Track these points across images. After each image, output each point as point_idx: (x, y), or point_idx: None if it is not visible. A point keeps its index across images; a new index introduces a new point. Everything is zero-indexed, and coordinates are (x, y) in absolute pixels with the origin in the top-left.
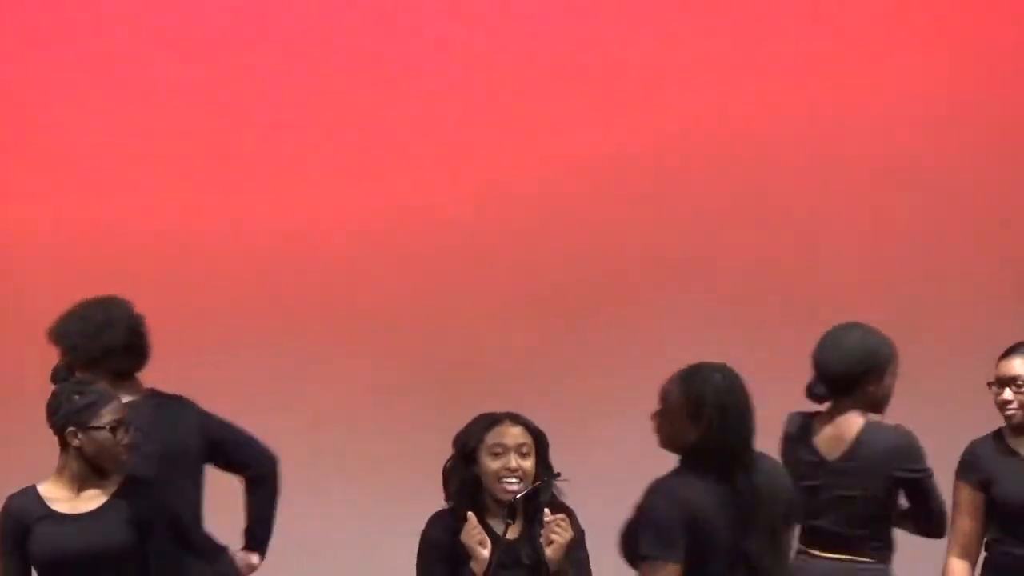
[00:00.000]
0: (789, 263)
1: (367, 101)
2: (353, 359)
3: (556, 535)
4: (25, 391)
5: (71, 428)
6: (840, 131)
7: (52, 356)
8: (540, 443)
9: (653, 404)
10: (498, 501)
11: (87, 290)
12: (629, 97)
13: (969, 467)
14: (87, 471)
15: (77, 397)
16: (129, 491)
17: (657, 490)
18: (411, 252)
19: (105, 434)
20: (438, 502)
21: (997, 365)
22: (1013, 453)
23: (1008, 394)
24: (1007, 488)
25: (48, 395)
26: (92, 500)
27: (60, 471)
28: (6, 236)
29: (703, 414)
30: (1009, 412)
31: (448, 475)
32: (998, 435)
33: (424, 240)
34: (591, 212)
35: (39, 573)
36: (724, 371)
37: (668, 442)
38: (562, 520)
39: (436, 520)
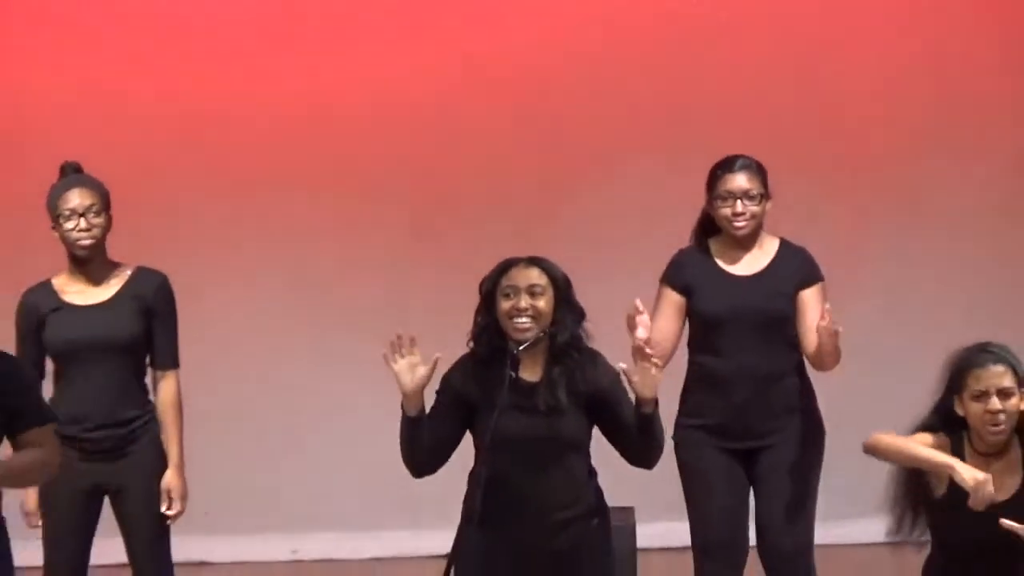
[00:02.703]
0: (794, 115)
1: None
2: (365, 211)
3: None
4: (29, 254)
5: (52, 223)
6: None
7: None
8: (558, 285)
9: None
10: (520, 344)
11: (93, 148)
12: None
13: (674, 273)
14: (74, 261)
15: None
16: (139, 282)
17: None
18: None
19: (61, 223)
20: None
21: (720, 180)
22: (716, 266)
23: (740, 206)
24: (705, 300)
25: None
26: (103, 291)
27: (68, 265)
28: (12, 98)
29: None
30: (741, 223)
31: (474, 319)
32: (704, 247)
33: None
34: (597, 66)
35: (54, 360)
36: None
37: None
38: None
39: (458, 363)
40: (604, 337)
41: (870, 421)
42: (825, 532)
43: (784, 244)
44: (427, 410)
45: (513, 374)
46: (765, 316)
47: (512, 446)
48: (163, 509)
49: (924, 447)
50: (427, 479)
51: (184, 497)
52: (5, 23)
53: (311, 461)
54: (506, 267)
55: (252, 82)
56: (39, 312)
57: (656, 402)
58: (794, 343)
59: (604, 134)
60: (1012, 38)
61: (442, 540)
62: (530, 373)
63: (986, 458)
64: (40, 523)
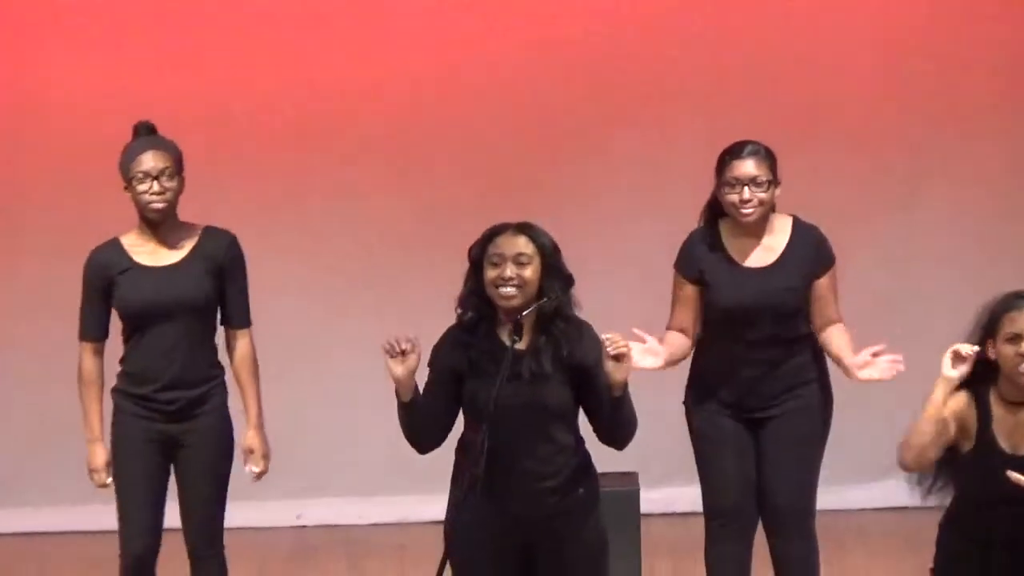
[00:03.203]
0: (792, 88)
1: None
2: (377, 182)
3: (622, 350)
4: (35, 274)
5: (124, 184)
6: None
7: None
8: (545, 253)
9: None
10: (506, 313)
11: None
12: None
13: (686, 263)
14: (146, 223)
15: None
16: (208, 242)
17: None
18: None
19: (134, 186)
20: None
21: (728, 166)
22: (728, 256)
23: (747, 193)
24: (715, 293)
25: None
26: (174, 253)
27: (138, 224)
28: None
29: None
30: (748, 211)
31: (463, 285)
32: (714, 230)
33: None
34: (591, 39)
35: (124, 320)
36: None
37: None
38: (619, 338)
39: (445, 335)
40: (600, 306)
41: (878, 388)
42: (830, 498)
43: (796, 226)
44: (420, 388)
45: (517, 338)
46: (775, 311)
47: (497, 413)
48: (246, 469)
49: (926, 408)
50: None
51: (267, 456)
52: (26, 23)
53: (315, 427)
54: (493, 234)
55: (270, 71)
56: (109, 272)
57: (626, 386)
58: (805, 328)
59: (603, 107)
60: (1016, 10)
61: (444, 506)
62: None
63: (1014, 406)
64: (108, 481)
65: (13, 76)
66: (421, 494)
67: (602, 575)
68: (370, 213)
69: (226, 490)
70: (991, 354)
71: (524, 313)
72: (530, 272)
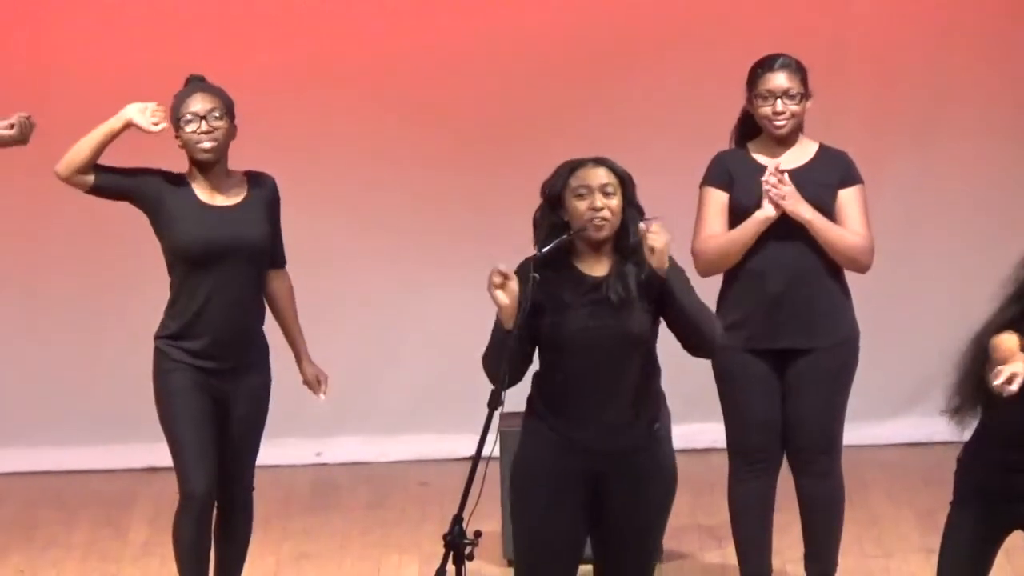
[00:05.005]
0: (808, 20)
1: None
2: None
3: (654, 239)
4: (54, 220)
5: (175, 132)
6: None
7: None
8: (625, 184)
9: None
10: (589, 243)
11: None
12: None
13: (715, 172)
14: (197, 167)
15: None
16: (259, 186)
17: None
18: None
19: (183, 127)
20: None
21: (760, 79)
22: (756, 162)
23: (780, 105)
24: (743, 191)
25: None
26: (230, 196)
27: (188, 171)
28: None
29: None
30: (781, 122)
31: (537, 222)
32: (744, 148)
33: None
34: None
35: (179, 264)
36: None
37: None
38: (653, 225)
39: (523, 266)
40: None
41: (900, 324)
42: (851, 434)
43: (824, 146)
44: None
45: (536, 276)
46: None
47: (581, 341)
48: (319, 397)
49: None
50: (448, 381)
51: (326, 377)
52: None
53: (335, 364)
54: (573, 168)
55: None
56: (169, 185)
57: (670, 267)
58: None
59: (642, 32)
60: None
61: (465, 443)
62: (595, 269)
63: None
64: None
65: (32, 45)
66: (442, 432)
67: (668, 510)
68: (392, 161)
69: (260, 442)
70: None
71: (545, 249)
72: (616, 202)
